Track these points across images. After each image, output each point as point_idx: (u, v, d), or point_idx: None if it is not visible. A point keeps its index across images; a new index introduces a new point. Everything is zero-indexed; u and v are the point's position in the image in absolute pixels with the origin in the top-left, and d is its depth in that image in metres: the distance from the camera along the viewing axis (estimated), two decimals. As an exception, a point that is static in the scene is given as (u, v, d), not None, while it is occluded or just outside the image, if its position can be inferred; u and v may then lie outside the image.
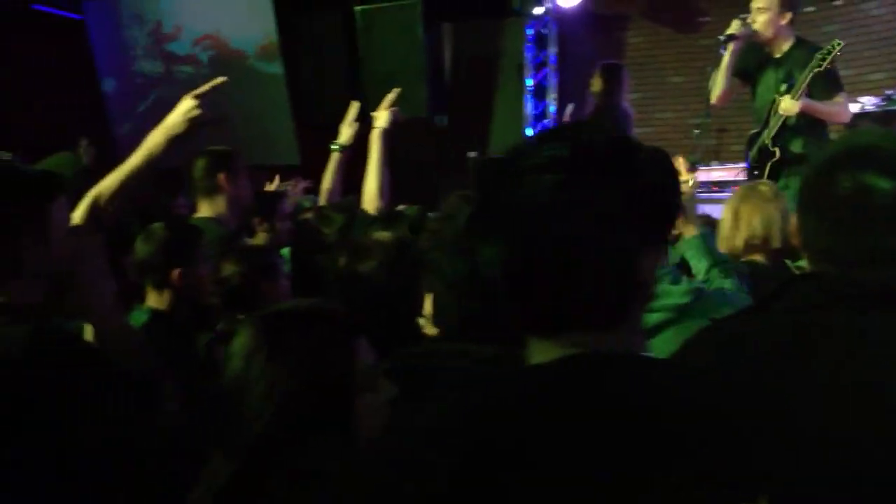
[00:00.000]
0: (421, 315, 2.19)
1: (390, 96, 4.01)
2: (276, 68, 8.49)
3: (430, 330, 2.08)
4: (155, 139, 2.76)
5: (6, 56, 8.41)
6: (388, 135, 3.88)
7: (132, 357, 1.95)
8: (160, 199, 6.25)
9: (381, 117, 3.90)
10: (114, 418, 1.80)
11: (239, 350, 1.62)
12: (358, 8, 7.94)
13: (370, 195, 3.74)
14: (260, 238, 4.00)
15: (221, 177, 3.55)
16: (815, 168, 1.38)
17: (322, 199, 4.12)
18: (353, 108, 4.18)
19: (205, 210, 3.59)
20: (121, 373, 1.88)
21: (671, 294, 2.21)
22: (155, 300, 2.84)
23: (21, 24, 8.32)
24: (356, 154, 4.12)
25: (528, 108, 8.30)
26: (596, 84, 5.89)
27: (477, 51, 8.72)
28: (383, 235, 2.52)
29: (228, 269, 2.85)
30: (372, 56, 7.95)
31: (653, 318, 2.15)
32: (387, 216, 3.47)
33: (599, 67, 5.94)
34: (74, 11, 8.80)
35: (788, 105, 4.57)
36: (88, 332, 1.96)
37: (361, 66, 8.00)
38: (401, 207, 3.92)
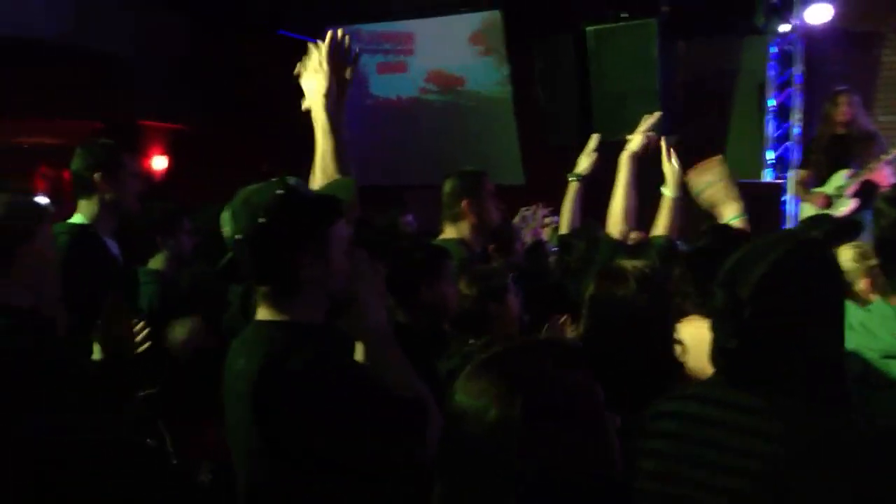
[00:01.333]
0: (674, 342, 2.10)
1: (649, 120, 3.87)
2: (505, 93, 8.56)
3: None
4: (317, 116, 2.66)
5: (255, 79, 9.00)
6: (637, 159, 3.76)
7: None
8: (386, 217, 6.46)
9: (635, 140, 3.80)
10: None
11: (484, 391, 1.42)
12: (590, 28, 7.85)
13: (615, 218, 3.66)
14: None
15: (466, 202, 3.58)
16: None
17: (563, 229, 4.07)
18: (593, 140, 4.11)
19: (450, 232, 3.60)
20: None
21: None
22: (401, 316, 2.87)
23: (268, 49, 8.86)
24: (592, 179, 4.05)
25: (770, 129, 7.87)
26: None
27: (714, 70, 8.41)
28: (634, 264, 2.44)
29: (462, 290, 2.93)
30: (603, 76, 7.84)
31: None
32: (634, 245, 3.38)
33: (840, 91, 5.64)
34: (316, 37, 9.25)
35: None
36: (358, 353, 1.98)
37: (592, 86, 7.90)
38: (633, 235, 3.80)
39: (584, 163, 4.09)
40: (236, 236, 2.03)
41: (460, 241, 3.55)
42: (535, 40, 8.17)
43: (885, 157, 5.72)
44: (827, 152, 6.12)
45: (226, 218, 2.92)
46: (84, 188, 3.38)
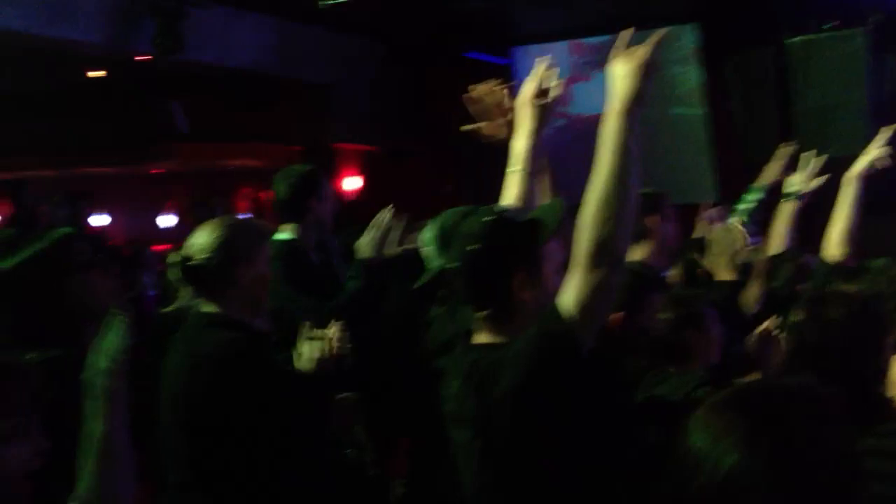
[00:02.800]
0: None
1: (885, 135, 3.62)
2: (699, 108, 8.36)
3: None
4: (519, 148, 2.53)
5: (443, 101, 9.17)
6: (864, 179, 3.52)
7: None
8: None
9: (862, 161, 3.55)
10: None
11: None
12: (793, 40, 7.51)
13: (835, 240, 3.42)
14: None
15: (651, 220, 3.43)
16: None
17: (771, 252, 3.84)
18: (816, 161, 3.87)
19: (632, 254, 3.48)
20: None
21: None
22: None
23: (456, 72, 9.02)
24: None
25: None
26: None
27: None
28: (851, 288, 2.32)
29: (662, 315, 2.77)
30: (807, 90, 7.46)
31: None
32: (851, 269, 3.14)
33: None
34: (502, 56, 9.36)
35: None
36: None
37: (795, 101, 7.55)
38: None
39: (802, 180, 3.84)
40: (448, 265, 2.09)
41: (644, 263, 3.36)
42: (732, 54, 7.92)
43: None
44: None
45: (428, 241, 2.97)
46: (289, 211, 3.52)
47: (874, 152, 3.54)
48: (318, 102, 8.87)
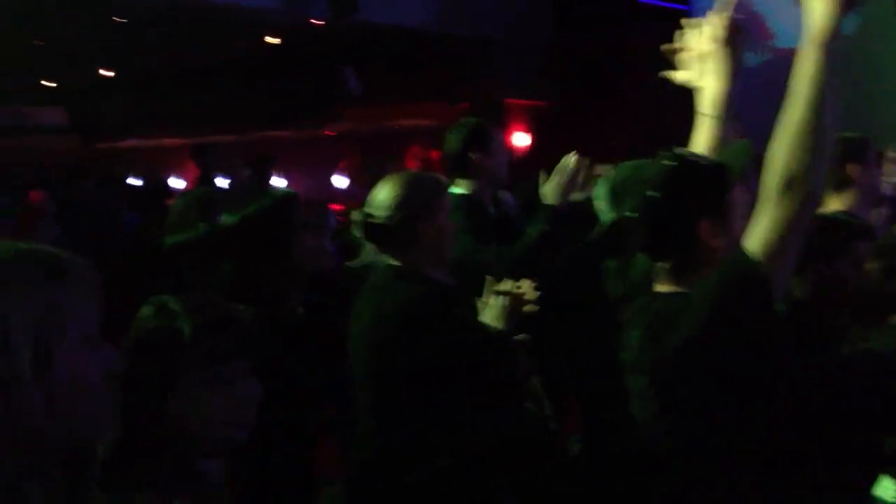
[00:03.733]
0: None
1: None
2: None
3: None
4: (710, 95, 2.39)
5: (614, 55, 8.98)
6: None
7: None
8: None
9: None
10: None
11: None
12: None
13: None
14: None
15: (852, 168, 3.26)
16: None
17: None
18: None
19: (833, 203, 3.30)
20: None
21: None
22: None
23: (628, 23, 8.79)
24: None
25: None
26: None
27: None
28: None
29: (869, 265, 2.55)
30: None
31: None
32: None
33: None
34: (682, 3, 9.02)
35: None
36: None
37: None
38: None
39: None
40: (627, 213, 2.01)
41: (847, 213, 3.14)
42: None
43: None
44: None
45: (600, 195, 2.90)
46: (461, 166, 3.54)
47: None
48: (486, 59, 8.86)
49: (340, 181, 11.51)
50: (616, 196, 2.84)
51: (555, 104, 9.53)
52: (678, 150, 2.02)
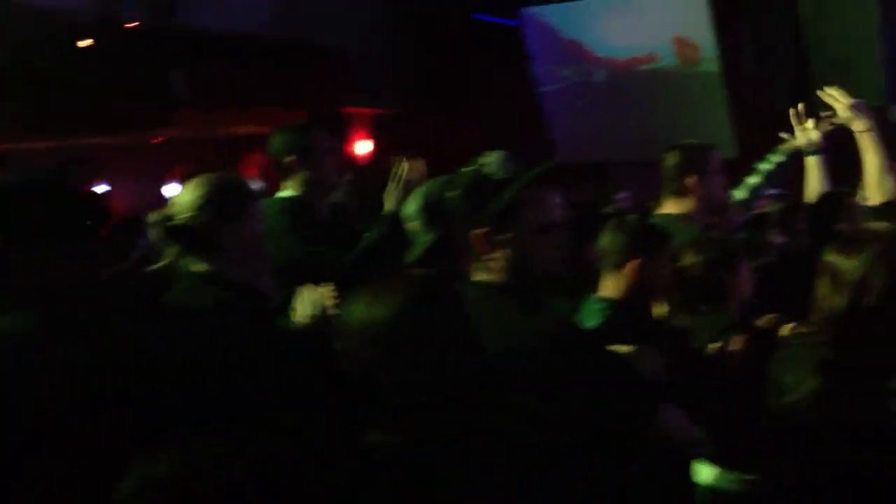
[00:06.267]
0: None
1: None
2: (713, 65, 8.30)
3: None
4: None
5: (452, 63, 9.08)
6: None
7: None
8: (597, 194, 6.35)
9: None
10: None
11: None
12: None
13: (869, 186, 3.36)
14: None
15: (690, 179, 3.37)
16: None
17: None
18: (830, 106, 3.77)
19: (672, 207, 3.43)
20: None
21: None
22: (610, 289, 2.76)
23: (464, 33, 8.91)
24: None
25: None
26: None
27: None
28: (879, 226, 2.27)
29: (689, 259, 2.77)
30: (822, 43, 7.39)
31: None
32: (882, 206, 3.08)
33: None
34: (511, 18, 9.23)
35: None
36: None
37: (810, 54, 7.46)
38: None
39: (811, 135, 3.75)
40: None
41: (684, 217, 3.34)
42: (747, 9, 7.82)
43: None
44: None
45: (412, 214, 2.88)
46: (284, 171, 3.44)
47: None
48: (326, 67, 8.76)
49: (173, 189, 11.11)
50: (429, 213, 2.81)
51: (398, 112, 9.54)
52: (478, 163, 2.01)
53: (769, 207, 4.23)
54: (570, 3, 8.83)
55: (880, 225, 2.30)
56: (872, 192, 3.36)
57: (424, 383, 1.57)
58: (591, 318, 2.63)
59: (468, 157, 2.09)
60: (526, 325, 1.86)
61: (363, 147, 9.66)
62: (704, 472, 2.74)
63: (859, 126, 3.49)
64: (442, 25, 8.80)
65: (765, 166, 3.89)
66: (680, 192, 3.38)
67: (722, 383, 2.39)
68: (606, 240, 2.76)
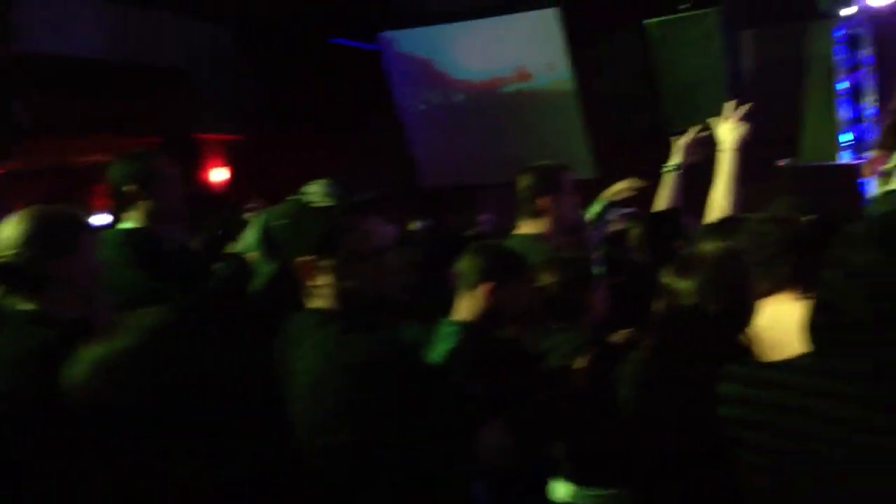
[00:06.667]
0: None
1: (739, 108, 3.63)
2: (570, 87, 8.49)
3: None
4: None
5: (309, 88, 8.98)
6: (737, 151, 3.53)
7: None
8: (457, 217, 6.37)
9: (730, 135, 3.56)
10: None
11: None
12: (650, 21, 7.70)
13: (714, 207, 3.47)
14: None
15: (543, 200, 3.44)
16: None
17: None
18: (693, 131, 3.88)
19: (527, 227, 3.48)
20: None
21: None
22: (465, 312, 2.73)
23: (321, 58, 8.83)
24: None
25: (842, 112, 7.61)
26: None
27: (782, 56, 8.18)
28: (712, 246, 2.38)
29: (547, 278, 2.85)
30: (670, 67, 7.71)
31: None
32: (724, 225, 3.18)
33: None
34: (370, 42, 9.22)
35: None
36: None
37: (659, 77, 7.75)
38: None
39: (679, 153, 3.85)
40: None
41: (538, 237, 3.40)
42: (597, 33, 8.06)
43: None
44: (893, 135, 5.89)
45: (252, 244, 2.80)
46: (123, 201, 3.28)
47: (739, 127, 3.55)
48: (177, 92, 8.50)
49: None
50: (267, 244, 2.74)
51: (251, 138, 9.35)
52: (302, 191, 2.02)
53: (624, 225, 4.33)
54: (427, 28, 8.92)
55: (712, 245, 2.39)
56: (714, 209, 3.46)
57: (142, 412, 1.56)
58: (442, 341, 2.61)
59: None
60: (343, 350, 1.87)
61: (218, 175, 9.42)
62: (560, 490, 2.75)
63: (730, 142, 3.57)
64: (296, 49, 8.69)
65: (594, 210, 4.01)
66: (534, 213, 3.45)
67: (575, 401, 2.43)
68: (463, 263, 2.75)
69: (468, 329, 2.64)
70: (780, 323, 1.92)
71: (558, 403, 2.40)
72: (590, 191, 4.89)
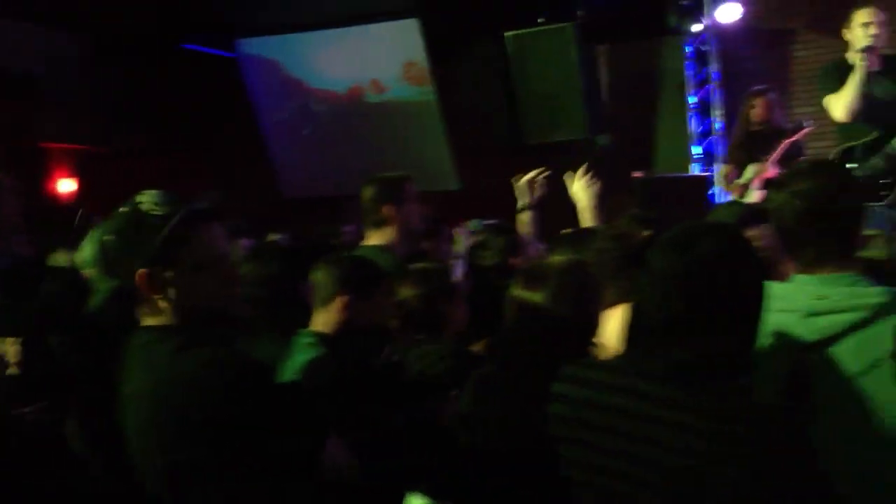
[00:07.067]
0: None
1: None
2: (429, 95, 8.52)
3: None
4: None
5: (161, 96, 8.68)
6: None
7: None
8: (322, 228, 6.28)
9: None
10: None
11: None
12: (509, 34, 7.83)
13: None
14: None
15: (388, 208, 3.47)
16: None
17: None
18: (532, 174, 4.00)
19: (374, 238, 3.50)
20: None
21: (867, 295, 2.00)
22: (322, 324, 2.70)
23: (174, 65, 8.57)
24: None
25: (692, 125, 7.93)
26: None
27: (636, 70, 8.45)
28: (559, 258, 2.45)
29: (407, 291, 2.83)
30: (527, 80, 7.85)
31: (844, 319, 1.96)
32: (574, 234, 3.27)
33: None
34: (227, 50, 9.00)
35: None
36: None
37: (517, 90, 7.87)
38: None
39: (523, 195, 3.99)
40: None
41: (384, 248, 3.43)
42: (457, 45, 8.12)
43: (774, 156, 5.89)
44: (744, 149, 6.20)
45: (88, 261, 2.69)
46: None
47: (592, 185, 3.86)
48: (24, 101, 8.05)
49: None
50: (104, 259, 2.62)
51: (102, 148, 8.96)
52: (134, 201, 1.91)
53: (485, 236, 4.36)
54: (286, 35, 8.78)
55: (559, 257, 2.46)
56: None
57: None
58: (299, 352, 2.57)
59: (185, 195, 1.96)
60: (176, 367, 1.78)
61: (65, 186, 8.96)
62: (415, 504, 2.73)
63: (586, 200, 3.83)
64: (151, 57, 8.38)
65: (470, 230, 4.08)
66: (379, 224, 3.50)
67: (431, 412, 2.42)
68: (318, 275, 2.72)
69: (325, 341, 2.61)
70: (623, 332, 1.99)
71: (412, 420, 2.38)
72: (454, 202, 4.92)
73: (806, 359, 1.96)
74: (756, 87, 6.29)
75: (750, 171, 6.10)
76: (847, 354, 1.93)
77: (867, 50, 4.67)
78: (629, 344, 1.81)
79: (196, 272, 1.84)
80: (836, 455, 1.81)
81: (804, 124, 5.88)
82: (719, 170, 6.63)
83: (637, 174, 7.05)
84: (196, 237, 1.87)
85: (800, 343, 1.98)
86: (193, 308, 1.86)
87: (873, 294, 1.99)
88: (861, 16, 4.74)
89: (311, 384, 2.37)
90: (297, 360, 2.52)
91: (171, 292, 1.84)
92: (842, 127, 4.94)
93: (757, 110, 6.11)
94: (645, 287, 1.69)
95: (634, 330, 1.76)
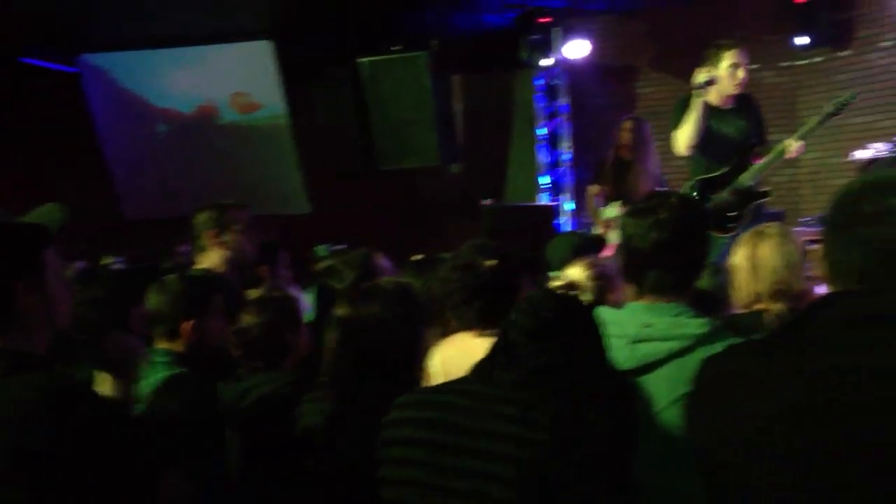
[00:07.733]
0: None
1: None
2: (281, 119, 8.42)
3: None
4: None
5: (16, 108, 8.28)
6: None
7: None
8: (157, 249, 6.08)
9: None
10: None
11: None
12: (363, 60, 7.84)
13: None
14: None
15: (211, 234, 3.54)
16: (846, 193, 1.44)
17: None
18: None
19: (202, 262, 3.54)
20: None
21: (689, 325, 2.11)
22: (169, 343, 2.72)
23: (11, 79, 8.19)
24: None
25: (542, 156, 8.14)
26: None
27: (488, 101, 8.62)
28: (385, 281, 2.50)
29: (249, 319, 2.77)
30: (381, 106, 7.87)
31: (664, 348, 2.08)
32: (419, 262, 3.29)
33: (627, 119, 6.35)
34: (67, 64, 8.62)
35: (796, 146, 4.90)
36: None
37: (371, 115, 7.87)
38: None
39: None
40: None
41: (211, 271, 3.46)
42: (310, 68, 8.06)
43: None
44: (612, 173, 6.37)
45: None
46: None
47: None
48: None
49: None
50: None
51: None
52: None
53: (334, 261, 4.32)
54: (129, 52, 8.46)
55: (387, 281, 2.51)
56: None
57: None
58: (153, 371, 2.56)
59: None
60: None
61: None
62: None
63: None
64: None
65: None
66: (203, 248, 3.55)
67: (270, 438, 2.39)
68: (153, 301, 2.70)
69: (178, 359, 2.63)
70: (463, 357, 2.02)
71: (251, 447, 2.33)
72: (304, 226, 4.85)
73: (628, 383, 2.06)
74: (631, 115, 6.56)
75: (613, 209, 6.24)
76: (662, 382, 2.03)
77: (703, 85, 4.87)
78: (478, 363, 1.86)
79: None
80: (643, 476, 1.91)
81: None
82: (588, 189, 6.72)
83: (486, 202, 7.16)
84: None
85: (623, 369, 2.06)
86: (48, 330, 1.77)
87: (695, 325, 2.07)
88: (729, 56, 4.92)
89: (165, 404, 2.31)
90: (149, 378, 2.52)
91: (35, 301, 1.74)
92: (693, 161, 5.15)
93: (624, 134, 6.25)
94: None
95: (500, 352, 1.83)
